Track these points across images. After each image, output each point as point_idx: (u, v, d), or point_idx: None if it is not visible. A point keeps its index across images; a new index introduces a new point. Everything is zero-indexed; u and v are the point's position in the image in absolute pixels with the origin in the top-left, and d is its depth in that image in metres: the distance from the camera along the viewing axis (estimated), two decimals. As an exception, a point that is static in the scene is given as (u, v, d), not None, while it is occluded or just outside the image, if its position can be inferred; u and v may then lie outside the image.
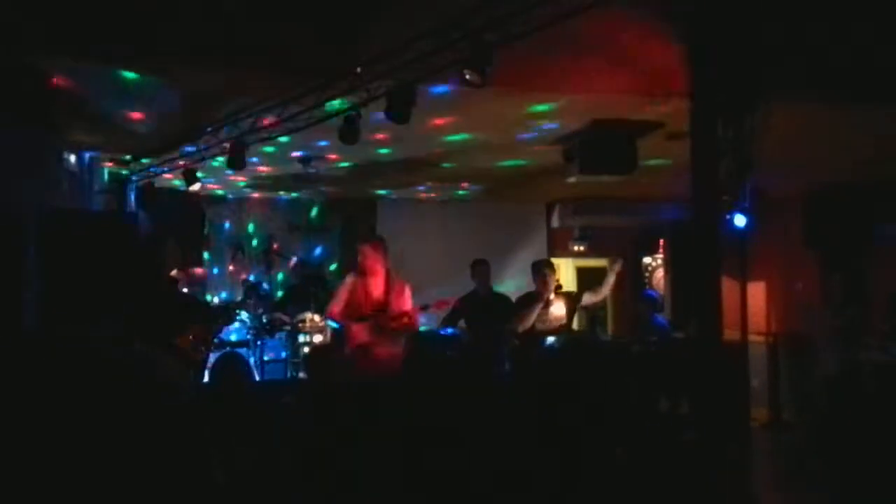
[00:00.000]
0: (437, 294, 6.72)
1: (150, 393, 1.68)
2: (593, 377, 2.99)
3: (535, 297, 6.67)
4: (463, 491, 3.59)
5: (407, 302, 6.29)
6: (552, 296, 6.66)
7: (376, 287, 6.26)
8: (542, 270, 6.78)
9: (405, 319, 6.16)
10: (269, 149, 6.81)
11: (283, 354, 8.75)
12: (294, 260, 9.69)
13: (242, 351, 7.97)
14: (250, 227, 10.18)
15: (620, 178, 6.42)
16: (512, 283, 9.05)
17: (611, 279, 7.07)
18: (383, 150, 6.96)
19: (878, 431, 6.07)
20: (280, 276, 10.03)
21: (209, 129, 6.18)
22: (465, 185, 9.12)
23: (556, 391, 3.00)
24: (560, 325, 6.65)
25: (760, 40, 4.09)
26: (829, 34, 4.32)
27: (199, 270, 9.44)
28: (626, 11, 4.00)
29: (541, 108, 5.57)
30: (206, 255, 9.94)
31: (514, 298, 7.39)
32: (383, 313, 6.18)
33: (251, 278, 9.43)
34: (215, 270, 10.05)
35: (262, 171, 8.08)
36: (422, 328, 7.17)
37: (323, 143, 6.63)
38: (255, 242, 10.14)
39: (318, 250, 10.32)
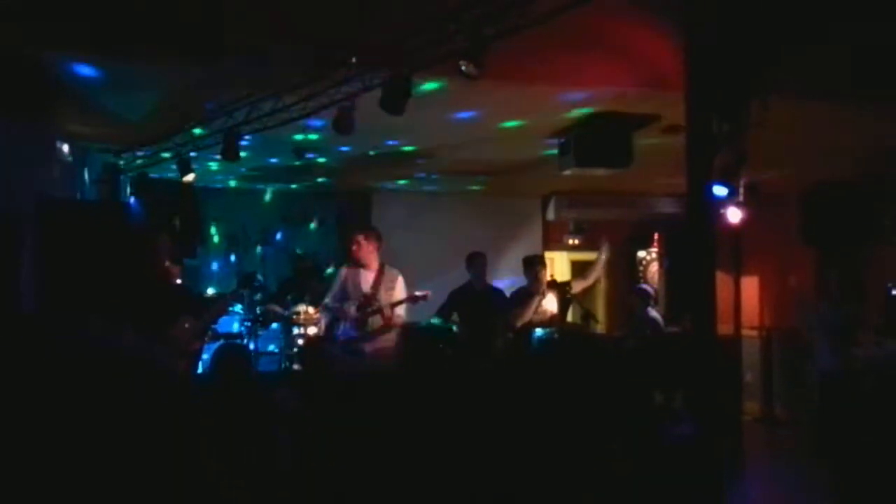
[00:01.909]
0: (431, 287, 6.70)
1: (141, 382, 1.67)
2: (586, 370, 2.99)
3: (531, 293, 6.69)
4: (459, 483, 3.59)
5: (398, 294, 6.29)
6: (544, 287, 6.70)
7: (366, 279, 6.27)
8: (533, 267, 6.80)
9: (387, 313, 6.17)
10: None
11: (277, 346, 8.74)
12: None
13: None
14: (245, 219, 10.14)
15: (616, 171, 6.43)
16: (507, 276, 9.05)
17: (599, 266, 7.11)
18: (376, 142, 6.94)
19: (872, 427, 6.08)
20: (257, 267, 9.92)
21: (203, 119, 6.16)
22: (460, 177, 9.11)
23: (549, 383, 3.00)
24: (552, 317, 6.67)
25: (757, 35, 4.09)
26: (827, 30, 4.32)
27: (195, 262, 9.43)
28: (621, 4, 3.99)
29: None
30: (200, 246, 9.91)
31: (508, 292, 7.41)
32: (368, 306, 6.20)
33: (246, 270, 9.41)
34: (214, 263, 10.04)
35: (256, 162, 8.05)
36: (422, 321, 7.16)
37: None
38: (249, 234, 10.11)
39: (312, 242, 10.30)
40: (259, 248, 9.97)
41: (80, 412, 1.60)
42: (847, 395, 6.47)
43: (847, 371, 6.55)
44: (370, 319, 6.22)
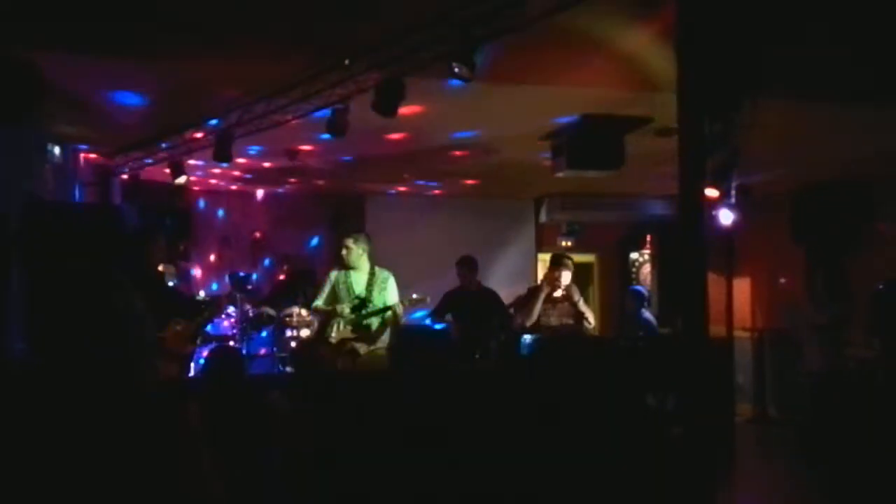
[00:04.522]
0: (425, 289, 6.69)
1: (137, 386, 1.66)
2: (578, 371, 3.00)
3: (539, 289, 6.60)
4: (452, 482, 3.59)
5: (391, 295, 6.30)
6: (559, 293, 6.52)
7: (359, 281, 6.28)
8: (549, 266, 6.77)
9: (388, 316, 6.19)
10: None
11: (270, 349, 8.72)
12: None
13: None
14: (237, 221, 10.12)
15: (608, 173, 6.43)
16: (500, 278, 9.07)
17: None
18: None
19: (863, 427, 6.10)
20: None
21: (196, 121, 6.15)
22: (453, 179, 9.11)
23: (541, 384, 3.00)
24: (563, 325, 6.54)
25: (749, 36, 4.10)
26: (819, 31, 4.33)
27: (187, 265, 9.42)
28: (613, 5, 4.00)
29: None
30: (192, 248, 9.89)
31: (501, 293, 7.42)
32: (363, 308, 6.22)
33: (238, 272, 9.39)
34: (206, 266, 10.02)
35: (249, 164, 8.03)
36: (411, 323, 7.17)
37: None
38: (242, 236, 10.09)
39: (305, 245, 10.29)
40: (251, 251, 9.95)
41: (77, 415, 1.59)
42: (837, 395, 6.50)
43: (837, 371, 6.56)
44: (365, 321, 6.23)
